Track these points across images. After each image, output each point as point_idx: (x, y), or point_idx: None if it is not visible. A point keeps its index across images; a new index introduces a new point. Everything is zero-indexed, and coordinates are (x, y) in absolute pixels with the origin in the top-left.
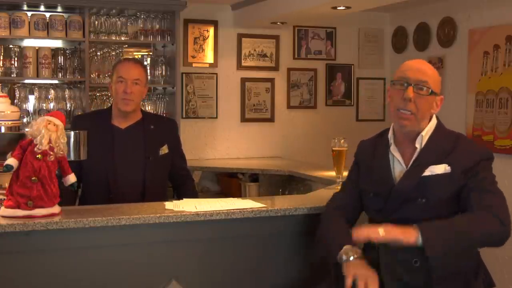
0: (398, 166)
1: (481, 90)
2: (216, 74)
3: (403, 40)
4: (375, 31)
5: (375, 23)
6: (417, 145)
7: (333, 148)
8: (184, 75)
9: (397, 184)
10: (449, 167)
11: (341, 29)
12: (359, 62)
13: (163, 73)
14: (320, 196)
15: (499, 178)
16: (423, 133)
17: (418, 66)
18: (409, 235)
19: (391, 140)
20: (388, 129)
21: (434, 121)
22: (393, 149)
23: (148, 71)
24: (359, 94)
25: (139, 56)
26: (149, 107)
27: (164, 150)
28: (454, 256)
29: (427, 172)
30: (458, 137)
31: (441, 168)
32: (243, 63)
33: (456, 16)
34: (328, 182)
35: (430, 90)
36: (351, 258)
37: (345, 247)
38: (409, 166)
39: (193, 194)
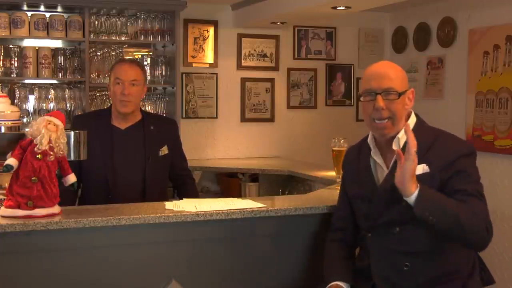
0: (380, 170)
1: (481, 90)
2: (216, 74)
3: (403, 40)
4: (375, 31)
5: (375, 23)
6: (395, 148)
7: (333, 148)
8: (184, 75)
9: (379, 187)
10: (427, 166)
11: (341, 29)
12: (359, 62)
13: (163, 73)
14: (320, 196)
15: (499, 178)
16: (399, 135)
17: (380, 72)
18: (407, 191)
19: (372, 145)
20: None
21: (413, 119)
22: (373, 154)
23: (148, 71)
24: (359, 94)
25: (139, 56)
26: (149, 107)
27: (164, 151)
28: (441, 236)
29: None
30: (437, 133)
31: (419, 169)
32: (243, 63)
33: (456, 16)
34: (328, 182)
35: (398, 94)
36: None
37: (330, 284)
38: (389, 168)
39: (194, 194)
